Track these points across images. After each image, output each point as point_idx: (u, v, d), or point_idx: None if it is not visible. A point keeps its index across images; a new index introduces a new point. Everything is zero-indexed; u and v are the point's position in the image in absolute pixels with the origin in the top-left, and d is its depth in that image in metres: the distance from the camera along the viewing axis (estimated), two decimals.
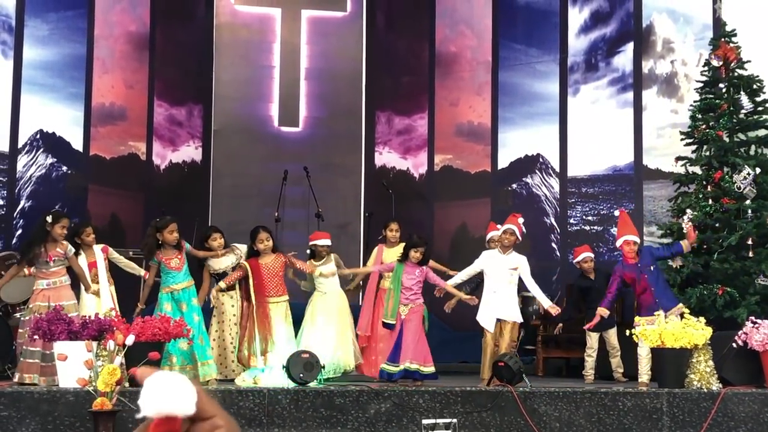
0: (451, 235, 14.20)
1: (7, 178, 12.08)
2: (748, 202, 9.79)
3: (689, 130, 10.41)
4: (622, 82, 13.10)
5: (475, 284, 9.53)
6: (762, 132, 10.20)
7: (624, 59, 13.13)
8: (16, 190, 12.15)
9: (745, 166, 9.82)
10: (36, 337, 7.19)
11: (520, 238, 9.03)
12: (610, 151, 13.09)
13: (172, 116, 14.33)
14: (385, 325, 8.78)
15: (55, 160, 12.61)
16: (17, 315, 9.16)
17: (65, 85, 12.83)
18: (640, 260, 8.82)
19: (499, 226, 9.33)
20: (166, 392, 1.22)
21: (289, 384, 7.42)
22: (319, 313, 9.32)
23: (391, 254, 9.54)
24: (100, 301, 8.55)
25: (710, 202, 9.90)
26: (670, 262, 9.96)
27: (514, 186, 13.92)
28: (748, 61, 10.32)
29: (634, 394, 7.40)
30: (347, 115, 14.89)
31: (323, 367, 7.84)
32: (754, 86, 10.28)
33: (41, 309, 7.72)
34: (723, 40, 10.37)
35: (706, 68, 10.51)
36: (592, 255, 10.08)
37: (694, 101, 10.55)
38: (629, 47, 13.10)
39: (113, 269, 9.15)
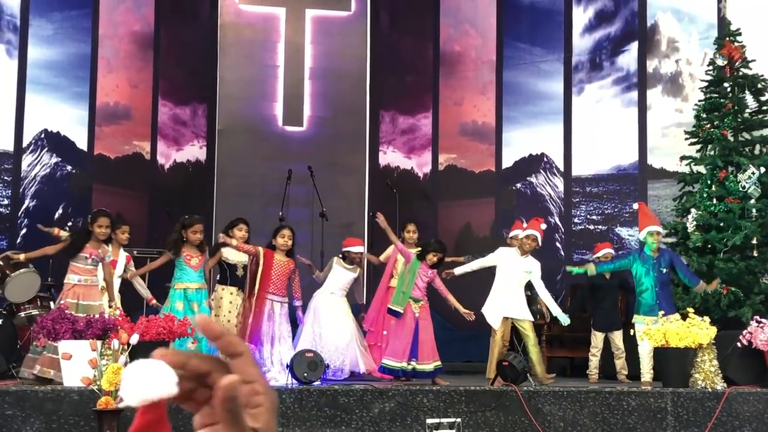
0: (455, 235, 14.18)
1: (11, 177, 12.10)
2: (752, 201, 9.78)
3: (694, 129, 10.40)
4: (627, 81, 13.09)
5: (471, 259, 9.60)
6: (766, 131, 10.19)
7: (628, 58, 13.12)
8: (21, 190, 12.17)
9: (750, 165, 9.81)
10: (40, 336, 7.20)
11: (540, 244, 9.02)
12: (615, 151, 13.08)
13: (176, 116, 14.34)
14: (393, 311, 8.76)
15: (60, 159, 12.63)
16: (22, 314, 9.17)
17: (70, 84, 12.85)
18: (659, 257, 8.75)
19: (525, 225, 9.31)
20: (143, 379, 1.22)
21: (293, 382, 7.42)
22: (325, 313, 9.30)
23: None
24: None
25: (714, 201, 9.89)
26: None
27: (519, 185, 13.91)
28: (753, 61, 10.31)
29: (638, 394, 7.39)
30: (351, 115, 14.89)
31: (328, 366, 7.85)
32: (759, 85, 10.27)
33: (70, 307, 7.71)
34: (728, 39, 10.36)
35: (710, 67, 10.50)
36: (613, 252, 10.04)
37: (699, 100, 10.54)
38: (634, 46, 13.08)
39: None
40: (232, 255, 9.11)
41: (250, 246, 8.68)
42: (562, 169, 13.52)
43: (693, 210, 9.93)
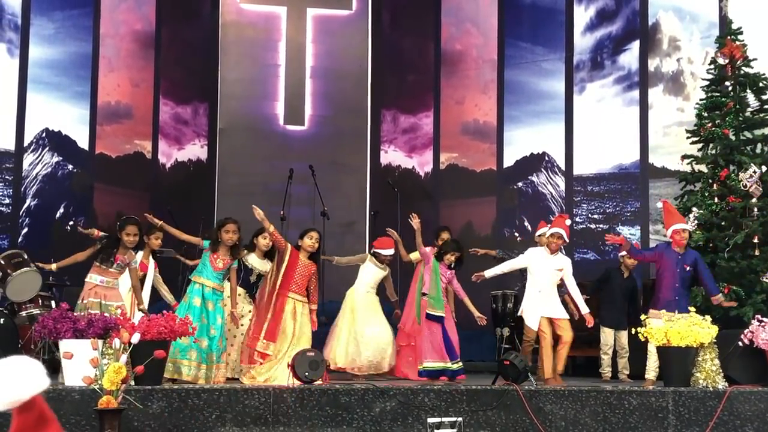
0: (457, 234, 14.07)
1: (13, 176, 12.11)
2: (754, 200, 9.77)
3: (695, 128, 10.39)
4: (628, 80, 13.09)
5: (501, 257, 9.62)
6: None
7: (630, 57, 13.11)
8: (22, 189, 12.18)
9: (751, 164, 9.80)
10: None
11: (567, 240, 8.95)
12: (616, 150, 13.08)
13: (177, 115, 14.34)
14: (435, 317, 8.80)
15: (61, 158, 12.64)
16: (23, 313, 9.17)
17: (71, 83, 12.86)
18: (684, 255, 8.71)
19: (548, 225, 9.30)
20: (10, 380, 1.18)
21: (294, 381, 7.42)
22: (361, 309, 9.33)
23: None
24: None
25: (716, 200, 9.88)
26: None
27: (520, 184, 13.91)
28: (754, 59, 10.29)
29: (639, 393, 7.39)
30: (353, 114, 14.90)
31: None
32: (760, 84, 10.25)
33: (93, 305, 7.72)
34: (729, 38, 10.35)
35: (712, 66, 10.49)
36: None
37: (700, 99, 10.53)
38: (635, 45, 13.08)
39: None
40: (257, 263, 9.09)
41: (282, 239, 8.63)
42: (563, 168, 13.52)
43: (694, 209, 9.92)
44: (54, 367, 7.61)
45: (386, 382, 8.18)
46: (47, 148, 12.49)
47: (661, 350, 7.95)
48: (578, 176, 13.40)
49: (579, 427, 7.20)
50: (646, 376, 8.73)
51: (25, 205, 12.19)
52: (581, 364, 10.88)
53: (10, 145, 12.12)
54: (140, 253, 8.65)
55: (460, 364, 8.85)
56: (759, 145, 10.18)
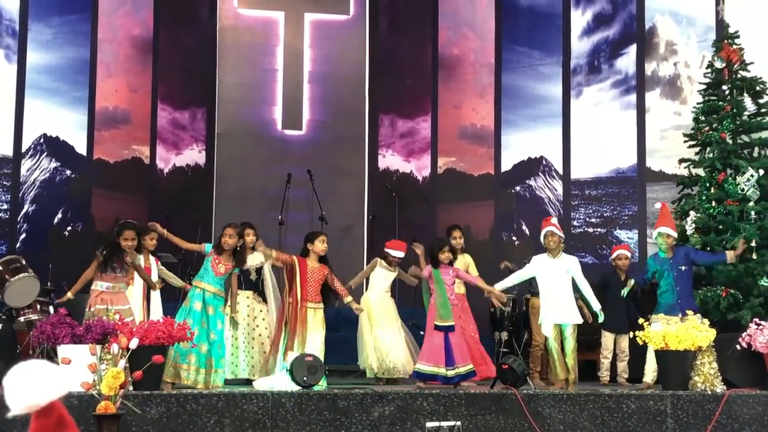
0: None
1: (10, 182, 12.10)
2: (751, 204, 9.79)
3: (692, 132, 10.41)
4: (625, 84, 13.11)
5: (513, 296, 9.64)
6: (765, 134, 10.19)
7: (627, 61, 13.13)
8: (20, 194, 12.17)
9: (749, 168, 9.82)
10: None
11: (562, 236, 8.88)
12: (614, 154, 13.09)
13: (175, 120, 14.34)
14: (443, 328, 8.74)
15: (59, 164, 12.63)
16: (21, 319, 9.17)
17: (69, 89, 12.85)
18: (674, 257, 8.74)
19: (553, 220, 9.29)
20: (30, 384, 1.17)
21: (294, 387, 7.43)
22: (378, 313, 9.41)
23: (458, 262, 9.55)
24: (156, 310, 8.70)
25: (713, 204, 9.89)
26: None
27: (518, 188, 13.92)
28: (751, 63, 10.32)
29: (638, 397, 7.39)
30: (350, 118, 14.90)
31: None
32: (757, 88, 10.28)
33: (100, 312, 7.71)
34: (726, 42, 10.37)
35: (709, 70, 10.51)
36: (629, 254, 9.99)
37: (697, 103, 10.55)
38: (632, 49, 13.10)
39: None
40: (249, 260, 9.12)
41: (286, 256, 8.57)
42: (561, 172, 13.53)
43: (692, 212, 9.93)
44: None
45: (385, 386, 8.19)
46: (45, 154, 12.48)
47: (659, 354, 7.96)
48: (576, 180, 13.41)
49: (577, 431, 7.20)
50: (644, 378, 8.73)
51: (23, 211, 12.18)
52: (580, 367, 10.87)
53: (8, 150, 12.12)
54: (140, 257, 8.66)
55: (459, 371, 8.59)
56: (756, 149, 10.20)
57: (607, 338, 9.74)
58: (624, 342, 9.67)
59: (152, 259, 9.11)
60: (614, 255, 9.99)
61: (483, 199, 14.14)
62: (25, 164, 12.26)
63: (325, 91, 14.95)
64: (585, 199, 13.35)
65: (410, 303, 11.08)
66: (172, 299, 9.72)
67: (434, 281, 8.82)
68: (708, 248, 9.78)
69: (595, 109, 13.35)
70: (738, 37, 10.37)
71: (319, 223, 11.24)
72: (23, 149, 12.24)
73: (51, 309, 9.11)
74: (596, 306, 8.67)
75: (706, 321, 8.06)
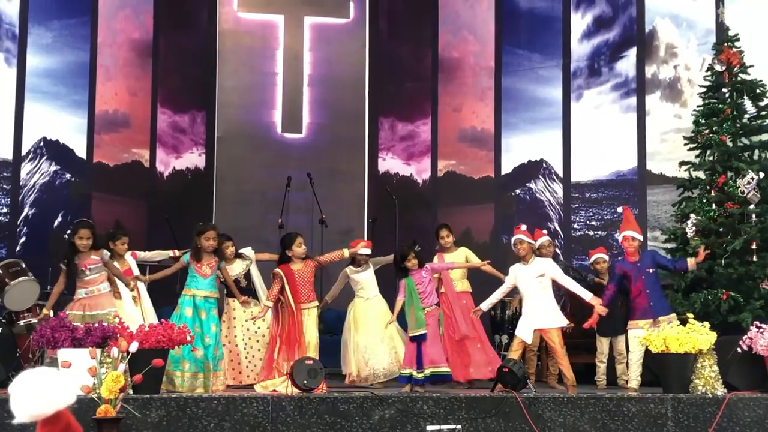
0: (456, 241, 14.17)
1: (10, 185, 12.10)
2: (751, 206, 9.78)
3: (692, 134, 10.40)
4: (626, 87, 13.11)
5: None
6: (765, 136, 10.18)
7: (627, 64, 13.13)
8: (20, 198, 12.17)
9: (749, 170, 9.81)
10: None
11: (532, 242, 8.88)
12: (614, 156, 13.09)
13: (175, 123, 14.34)
14: (414, 338, 8.69)
15: (59, 167, 12.63)
16: (21, 322, 9.15)
17: (69, 92, 12.86)
18: (641, 260, 8.75)
19: (544, 231, 9.23)
20: (36, 393, 1.16)
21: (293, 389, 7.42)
22: (363, 319, 9.37)
23: (450, 258, 9.57)
24: (140, 306, 8.63)
25: (714, 206, 9.88)
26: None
27: (518, 191, 13.92)
28: (751, 66, 10.31)
29: (638, 400, 7.38)
30: (350, 122, 14.90)
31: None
32: (757, 90, 10.27)
33: (75, 318, 7.68)
34: (726, 44, 10.37)
35: (709, 73, 10.50)
36: (606, 257, 10.00)
37: (698, 106, 10.54)
38: (632, 52, 13.10)
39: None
40: (234, 270, 9.11)
41: (275, 284, 8.46)
42: (561, 174, 13.53)
43: (692, 215, 9.92)
44: None
45: (380, 391, 8.17)
46: (45, 157, 12.49)
47: (659, 357, 7.95)
48: (576, 183, 13.41)
49: None
50: (629, 384, 8.70)
51: (23, 214, 12.18)
52: (580, 371, 10.83)
53: (7, 154, 12.12)
54: (106, 252, 8.50)
55: (426, 372, 8.43)
56: (756, 152, 10.18)
57: (602, 343, 9.73)
58: (620, 345, 9.65)
59: (129, 259, 8.96)
60: (592, 259, 10.02)
61: (483, 202, 14.13)
62: (25, 168, 12.27)
63: (325, 95, 14.95)
64: (585, 202, 13.35)
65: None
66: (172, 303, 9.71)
67: (405, 291, 8.67)
68: (708, 251, 9.77)
69: (595, 112, 13.35)
70: (738, 40, 10.37)
71: (319, 226, 11.23)
72: (23, 153, 12.24)
73: (51, 312, 9.10)
74: (587, 296, 8.60)
75: (707, 324, 8.05)
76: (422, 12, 15.02)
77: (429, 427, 6.84)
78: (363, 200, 14.75)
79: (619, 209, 9.36)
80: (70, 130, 12.83)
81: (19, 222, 12.11)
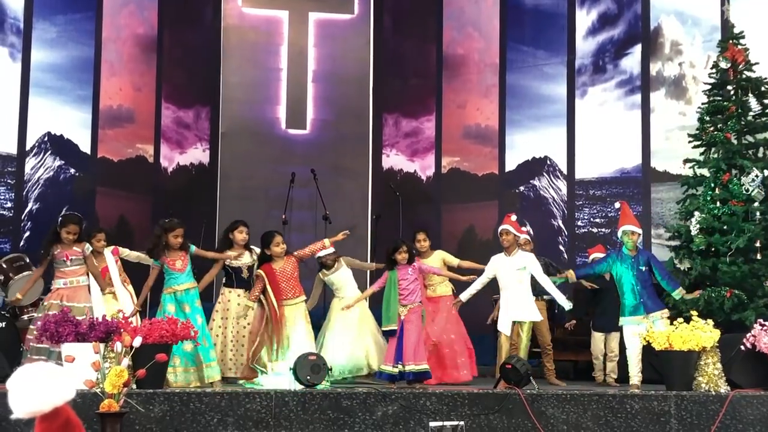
0: (459, 238, 14.18)
1: (14, 180, 12.11)
2: (756, 204, 9.77)
3: (697, 132, 10.38)
4: (630, 84, 13.09)
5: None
6: None
7: (632, 61, 13.11)
8: (24, 193, 12.18)
9: (753, 168, 9.79)
10: (43, 338, 7.22)
11: (518, 234, 8.94)
12: (618, 154, 13.07)
13: (179, 119, 14.35)
14: (386, 332, 8.72)
15: (63, 162, 12.64)
16: (24, 317, 9.17)
17: (73, 87, 12.86)
18: (636, 256, 8.75)
19: (513, 218, 9.23)
20: (34, 389, 1.15)
21: (298, 386, 7.42)
22: (338, 318, 9.36)
23: (428, 263, 9.50)
24: (119, 304, 8.58)
25: (718, 204, 9.87)
26: (678, 264, 9.93)
27: (522, 188, 13.91)
28: (756, 63, 10.28)
29: (642, 397, 7.38)
30: (354, 118, 14.89)
31: (330, 370, 7.85)
32: (762, 88, 10.24)
33: (53, 307, 7.74)
34: (731, 42, 10.34)
35: (714, 70, 10.48)
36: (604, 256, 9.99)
37: (702, 103, 10.52)
38: (637, 49, 13.08)
39: (128, 269, 9.25)
40: (236, 261, 9.11)
41: (258, 284, 8.55)
42: (565, 172, 13.51)
43: (696, 213, 9.91)
44: None
45: (384, 387, 8.17)
46: (49, 152, 12.49)
47: (663, 354, 7.94)
48: (580, 180, 13.40)
49: (581, 431, 7.19)
50: (631, 381, 8.70)
51: (27, 209, 12.19)
52: (582, 368, 10.87)
53: (12, 148, 12.13)
54: (88, 246, 8.50)
55: (405, 368, 8.41)
56: (761, 149, 10.16)
57: (597, 339, 9.73)
58: (614, 342, 9.66)
59: (108, 255, 8.89)
60: (590, 258, 10.05)
61: (487, 199, 14.13)
62: (29, 162, 12.28)
63: (329, 91, 14.95)
64: (589, 199, 13.34)
65: None
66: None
67: (385, 282, 8.68)
68: (712, 248, 9.77)
69: (599, 109, 13.33)
70: (743, 37, 10.34)
71: (322, 222, 11.24)
72: (27, 147, 12.25)
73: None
74: (559, 298, 8.67)
75: (711, 321, 8.04)
76: (427, 8, 15.01)
77: (432, 423, 6.85)
78: (367, 197, 14.75)
79: (617, 204, 9.34)
80: (75, 125, 12.84)
81: (23, 217, 12.12)
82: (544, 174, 13.72)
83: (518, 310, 8.70)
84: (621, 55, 13.24)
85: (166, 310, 8.06)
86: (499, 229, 8.95)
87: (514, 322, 8.74)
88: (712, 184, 10.02)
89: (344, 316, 9.29)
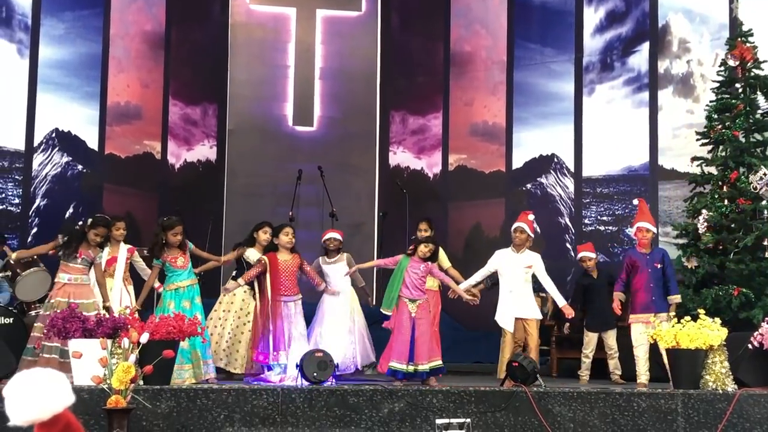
0: (465, 235, 14.18)
1: (22, 176, 12.13)
2: (764, 202, 9.75)
3: (705, 130, 10.36)
4: (638, 81, 13.06)
5: (492, 282, 9.49)
6: None
7: (639, 59, 13.09)
8: (32, 189, 12.21)
9: (761, 166, 9.77)
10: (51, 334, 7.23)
11: (531, 235, 9.00)
12: (626, 151, 13.05)
13: (187, 115, 14.36)
14: (382, 316, 8.71)
15: (71, 158, 12.66)
16: (32, 313, 9.19)
17: (81, 84, 12.88)
18: (652, 253, 8.75)
19: (530, 217, 9.22)
20: (31, 398, 1.13)
21: (302, 382, 7.43)
22: (328, 313, 9.36)
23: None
24: (116, 300, 8.59)
25: (726, 202, 9.85)
26: (685, 263, 9.91)
27: (529, 186, 13.89)
28: (765, 61, 10.27)
29: (648, 395, 7.37)
30: (362, 115, 14.90)
31: (337, 366, 7.86)
32: None
33: (61, 305, 7.75)
34: (739, 39, 10.32)
35: (722, 68, 10.46)
36: (592, 255, 9.93)
37: (710, 101, 10.50)
38: (645, 47, 13.05)
39: (131, 270, 9.27)
40: (253, 255, 9.12)
41: (256, 267, 8.53)
42: (572, 169, 13.49)
43: (704, 211, 9.89)
44: None
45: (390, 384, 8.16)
46: (57, 149, 12.51)
47: (670, 352, 7.93)
48: (587, 178, 13.37)
49: (588, 429, 7.19)
50: (638, 380, 8.69)
51: (35, 205, 12.22)
52: (578, 367, 10.84)
53: (20, 145, 12.15)
54: (106, 250, 8.58)
55: (419, 367, 8.34)
56: None
57: (590, 338, 9.69)
58: (611, 339, 9.62)
59: (123, 249, 8.95)
60: (579, 257, 10.02)
61: (494, 196, 14.12)
62: (37, 159, 12.30)
63: (336, 88, 14.95)
64: (596, 197, 13.32)
65: None
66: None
67: (397, 266, 8.59)
68: (720, 246, 9.75)
69: (607, 107, 13.30)
70: (751, 35, 10.32)
71: (329, 219, 11.24)
72: (35, 144, 12.28)
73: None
74: (560, 302, 8.75)
75: (718, 320, 8.03)
76: (434, 5, 15.00)
77: (438, 421, 6.85)
78: (374, 194, 14.76)
79: (635, 201, 9.35)
80: (82, 122, 12.86)
81: (30, 213, 12.14)
82: (552, 171, 13.70)
83: (522, 307, 8.77)
84: (629, 53, 13.21)
85: (166, 307, 8.08)
86: (515, 226, 8.96)
87: (516, 319, 8.76)
88: (720, 182, 10.01)
89: (334, 310, 9.31)
